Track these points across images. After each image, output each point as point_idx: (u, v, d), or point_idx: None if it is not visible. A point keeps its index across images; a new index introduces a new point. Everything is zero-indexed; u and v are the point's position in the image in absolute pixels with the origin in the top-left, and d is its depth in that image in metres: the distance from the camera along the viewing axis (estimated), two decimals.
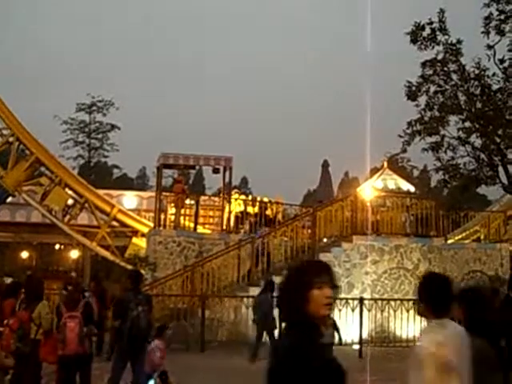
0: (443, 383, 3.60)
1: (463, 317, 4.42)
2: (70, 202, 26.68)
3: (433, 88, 15.58)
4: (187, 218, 22.54)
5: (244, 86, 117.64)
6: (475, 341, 3.95)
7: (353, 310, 17.01)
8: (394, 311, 17.63)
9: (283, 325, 3.17)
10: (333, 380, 2.99)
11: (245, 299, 17.31)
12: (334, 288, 3.10)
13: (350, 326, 17.12)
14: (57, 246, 38.11)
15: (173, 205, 22.12)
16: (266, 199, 24.44)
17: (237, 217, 22.65)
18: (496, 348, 4.35)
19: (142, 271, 19.51)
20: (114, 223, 26.84)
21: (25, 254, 36.73)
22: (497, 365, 4.23)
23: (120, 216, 26.72)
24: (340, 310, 17.08)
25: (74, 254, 34.31)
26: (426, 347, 3.69)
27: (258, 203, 23.42)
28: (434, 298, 3.89)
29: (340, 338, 13.63)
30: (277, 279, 18.16)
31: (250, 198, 26.46)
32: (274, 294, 15.40)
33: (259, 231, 20.54)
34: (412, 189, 23.46)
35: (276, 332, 15.24)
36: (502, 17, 14.71)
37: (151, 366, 8.95)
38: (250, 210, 23.16)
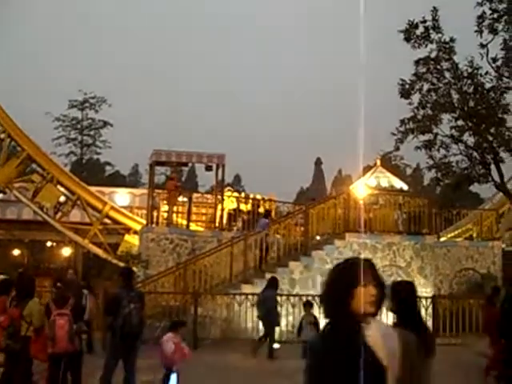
0: None
1: (395, 309, 4.79)
2: (62, 199, 26.57)
3: (426, 86, 15.58)
4: (180, 215, 22.51)
5: (237, 84, 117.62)
6: (404, 333, 4.05)
7: None
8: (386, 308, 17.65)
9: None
10: (375, 376, 3.05)
11: (237, 297, 17.30)
12: (378, 286, 3.14)
13: None
14: (48, 244, 37.96)
15: (165, 202, 22.09)
16: (258, 197, 24.43)
17: (229, 214, 22.63)
18: (422, 337, 4.51)
19: (135, 268, 19.50)
20: (107, 220, 26.77)
21: (16, 252, 36.57)
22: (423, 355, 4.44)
23: (112, 213, 26.64)
24: None
25: (66, 251, 34.18)
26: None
27: (250, 201, 23.40)
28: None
29: None
30: (270, 277, 18.23)
31: (242, 195, 26.44)
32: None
33: (261, 223, 20.50)
34: (405, 187, 23.49)
35: (277, 329, 15.37)
36: (495, 15, 14.72)
37: (165, 358, 8.81)
38: (242, 207, 23.15)
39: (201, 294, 17.49)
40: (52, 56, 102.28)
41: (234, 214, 22.58)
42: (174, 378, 8.81)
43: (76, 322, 8.93)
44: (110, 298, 10.30)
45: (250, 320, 17.08)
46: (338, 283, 3.16)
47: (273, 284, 15.56)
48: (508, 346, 9.04)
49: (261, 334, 15.31)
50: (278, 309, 15.84)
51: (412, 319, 4.71)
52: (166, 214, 22.02)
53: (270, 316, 15.01)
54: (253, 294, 17.16)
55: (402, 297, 4.88)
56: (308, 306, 13.88)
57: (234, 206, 23.05)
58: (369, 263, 3.26)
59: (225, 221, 22.45)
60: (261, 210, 22.77)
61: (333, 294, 3.16)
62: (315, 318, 13.36)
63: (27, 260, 36.51)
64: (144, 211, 25.41)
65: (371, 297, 3.10)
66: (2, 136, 25.63)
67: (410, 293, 4.98)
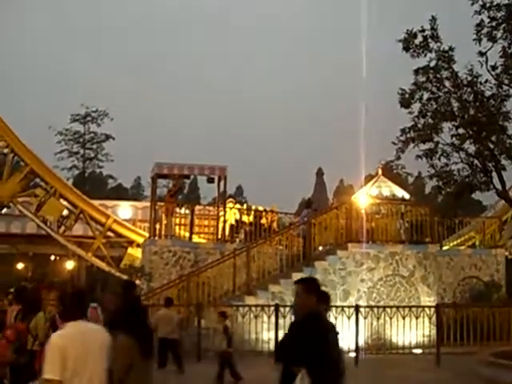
0: (63, 366, 4.42)
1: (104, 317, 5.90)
2: (65, 212, 26.66)
3: (426, 95, 15.55)
4: (182, 227, 22.52)
5: (239, 96, 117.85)
6: (117, 335, 5.26)
7: (349, 318, 17.00)
8: (390, 318, 17.63)
9: None
10: None
11: (241, 308, 17.30)
12: None
13: (346, 334, 17.11)
14: (52, 257, 38.03)
15: (164, 214, 22.10)
16: (260, 208, 24.45)
17: (232, 226, 22.64)
18: (141, 341, 5.43)
19: (138, 281, 19.52)
20: (109, 233, 26.83)
21: (20, 266, 36.66)
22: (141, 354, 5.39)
23: (115, 226, 26.72)
24: (336, 318, 17.09)
25: (70, 264, 34.25)
26: (54, 340, 4.55)
27: (253, 212, 23.42)
28: (68, 306, 4.81)
29: (229, 344, 13.64)
30: (273, 288, 18.24)
31: (244, 206, 26.47)
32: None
33: (303, 213, 20.76)
34: (407, 196, 23.50)
35: None
36: (494, 23, 14.72)
37: None
38: (245, 218, 23.18)
39: (204, 306, 17.50)
40: (53, 68, 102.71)
41: (237, 226, 22.61)
42: None
43: None
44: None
45: (254, 332, 17.07)
46: None
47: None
48: None
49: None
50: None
51: (133, 325, 5.47)
52: (165, 227, 22.02)
53: None
54: (256, 306, 17.17)
55: (124, 307, 5.78)
56: (221, 316, 13.92)
57: (237, 217, 23.07)
58: None
59: (227, 232, 22.47)
60: (263, 221, 22.82)
61: None
62: (226, 327, 13.49)
63: (31, 273, 36.53)
64: (147, 224, 25.46)
65: None
66: (6, 151, 25.79)
67: (132, 302, 5.87)
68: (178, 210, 22.54)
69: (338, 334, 5.84)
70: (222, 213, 22.16)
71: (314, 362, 5.11)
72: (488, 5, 14.37)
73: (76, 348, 4.50)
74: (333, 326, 6.03)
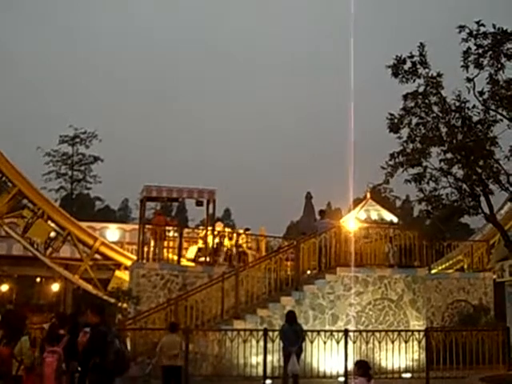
0: None
1: None
2: (53, 234, 26.46)
3: (414, 120, 15.67)
4: (170, 250, 22.39)
5: (228, 119, 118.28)
6: None
7: (338, 342, 16.92)
8: (379, 342, 17.55)
9: None
10: None
11: (229, 332, 17.16)
12: None
13: (335, 358, 17.01)
14: (38, 279, 37.65)
15: (152, 237, 21.95)
16: (240, 231, 24.30)
17: (212, 247, 22.35)
18: None
19: (125, 305, 19.36)
20: (97, 256, 26.64)
21: (4, 287, 36.23)
22: None
23: (103, 249, 26.54)
24: (325, 343, 17.00)
25: (55, 287, 33.91)
26: None
27: (234, 235, 23.29)
28: None
29: None
30: (261, 312, 18.12)
31: (228, 229, 26.39)
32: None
33: (321, 225, 20.77)
34: (395, 219, 23.57)
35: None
36: (480, 51, 14.92)
37: None
38: (226, 241, 23.06)
39: (192, 330, 17.34)
40: (42, 90, 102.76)
41: (217, 248, 22.38)
42: None
43: (69, 360, 8.83)
44: (95, 336, 9.65)
45: (242, 356, 16.93)
46: None
47: (295, 318, 15.54)
48: None
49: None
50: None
51: None
52: (156, 250, 21.86)
53: (300, 350, 15.16)
54: (244, 330, 17.04)
55: None
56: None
57: (221, 240, 22.90)
58: None
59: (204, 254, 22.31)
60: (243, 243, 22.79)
61: None
62: None
63: (16, 296, 36.14)
64: (135, 247, 25.31)
65: None
66: None
67: None
68: (167, 233, 22.44)
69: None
70: (210, 236, 22.05)
71: None
72: (475, 33, 14.56)
73: None
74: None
